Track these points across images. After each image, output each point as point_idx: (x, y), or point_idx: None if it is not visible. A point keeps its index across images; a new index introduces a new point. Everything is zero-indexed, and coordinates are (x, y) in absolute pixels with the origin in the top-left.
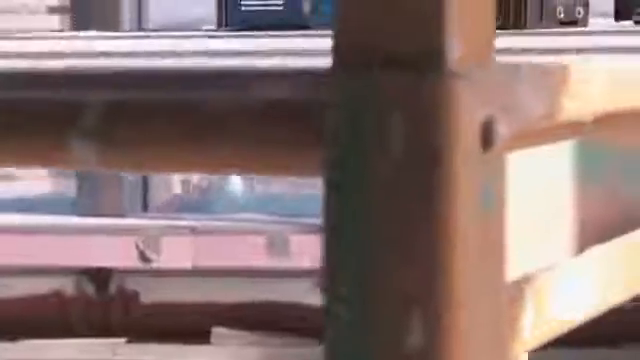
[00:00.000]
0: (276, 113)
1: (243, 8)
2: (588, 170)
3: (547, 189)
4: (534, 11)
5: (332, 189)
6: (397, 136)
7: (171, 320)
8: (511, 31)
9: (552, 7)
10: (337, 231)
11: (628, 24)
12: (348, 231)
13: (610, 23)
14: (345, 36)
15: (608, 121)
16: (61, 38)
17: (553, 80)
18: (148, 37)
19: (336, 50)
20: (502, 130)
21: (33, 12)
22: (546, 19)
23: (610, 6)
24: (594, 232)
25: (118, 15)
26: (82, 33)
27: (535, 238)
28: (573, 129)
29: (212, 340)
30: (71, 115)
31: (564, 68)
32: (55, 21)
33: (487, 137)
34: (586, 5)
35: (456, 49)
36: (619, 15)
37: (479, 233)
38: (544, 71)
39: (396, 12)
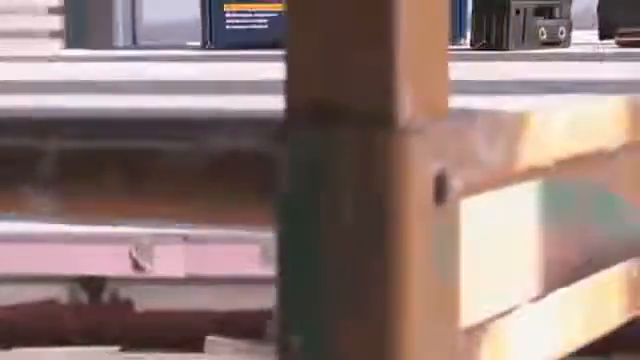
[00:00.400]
0: (229, 165)
1: (228, 27)
2: (552, 211)
3: (509, 231)
4: (516, 32)
5: (284, 245)
6: (348, 193)
7: (165, 328)
8: (493, 53)
9: (534, 28)
10: (289, 285)
11: (612, 43)
12: (300, 286)
13: (595, 38)
14: (295, 92)
15: (571, 163)
16: (44, 60)
17: (510, 128)
18: (138, 58)
19: (286, 105)
20: (456, 183)
21: (33, 12)
22: (528, 40)
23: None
24: (559, 274)
25: (112, 20)
26: (68, 52)
27: (495, 283)
28: (534, 174)
29: (205, 348)
30: (27, 164)
31: (522, 115)
32: (55, 22)
33: (440, 191)
34: (569, 25)
35: (408, 104)
36: (603, 34)
37: (432, 286)
38: (501, 119)
39: (346, 68)
